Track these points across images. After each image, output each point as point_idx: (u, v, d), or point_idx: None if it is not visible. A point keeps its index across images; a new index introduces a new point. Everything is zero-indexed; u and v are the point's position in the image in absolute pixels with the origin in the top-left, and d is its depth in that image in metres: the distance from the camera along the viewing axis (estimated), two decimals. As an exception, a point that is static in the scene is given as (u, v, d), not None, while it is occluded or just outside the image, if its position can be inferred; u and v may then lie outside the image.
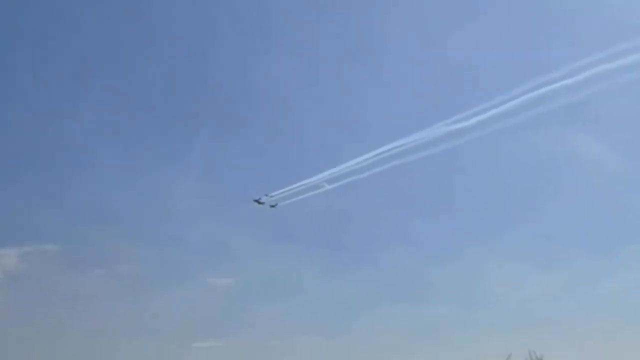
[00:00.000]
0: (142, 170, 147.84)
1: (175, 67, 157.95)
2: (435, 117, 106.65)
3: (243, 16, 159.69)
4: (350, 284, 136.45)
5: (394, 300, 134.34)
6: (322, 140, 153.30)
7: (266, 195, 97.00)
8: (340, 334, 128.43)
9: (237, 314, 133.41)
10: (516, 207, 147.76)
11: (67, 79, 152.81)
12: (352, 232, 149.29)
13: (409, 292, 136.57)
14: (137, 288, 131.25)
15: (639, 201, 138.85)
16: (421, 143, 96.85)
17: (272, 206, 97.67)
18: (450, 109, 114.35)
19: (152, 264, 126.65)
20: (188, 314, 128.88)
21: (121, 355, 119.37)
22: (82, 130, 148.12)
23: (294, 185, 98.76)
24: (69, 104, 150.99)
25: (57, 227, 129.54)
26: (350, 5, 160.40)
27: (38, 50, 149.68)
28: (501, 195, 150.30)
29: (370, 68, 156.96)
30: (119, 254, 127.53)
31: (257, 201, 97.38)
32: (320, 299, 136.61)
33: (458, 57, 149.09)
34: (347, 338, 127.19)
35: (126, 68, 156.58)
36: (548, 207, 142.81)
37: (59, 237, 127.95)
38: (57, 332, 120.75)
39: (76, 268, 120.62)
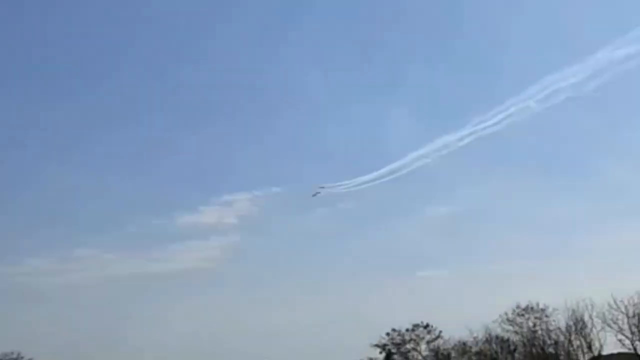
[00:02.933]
0: (352, 101, 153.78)
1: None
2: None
3: None
4: (565, 207, 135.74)
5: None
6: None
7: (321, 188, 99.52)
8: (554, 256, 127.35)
9: (455, 242, 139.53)
10: None
11: (276, 15, 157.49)
12: (563, 157, 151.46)
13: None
14: (359, 223, 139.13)
15: None
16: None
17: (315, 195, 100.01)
18: None
19: (370, 199, 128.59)
20: (409, 245, 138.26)
21: (355, 286, 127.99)
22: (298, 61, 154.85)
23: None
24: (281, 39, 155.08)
25: (281, 170, 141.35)
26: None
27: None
28: None
29: None
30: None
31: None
32: (535, 222, 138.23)
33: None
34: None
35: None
36: None
37: (283, 179, 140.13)
38: (294, 270, 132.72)
39: (302, 208, 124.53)
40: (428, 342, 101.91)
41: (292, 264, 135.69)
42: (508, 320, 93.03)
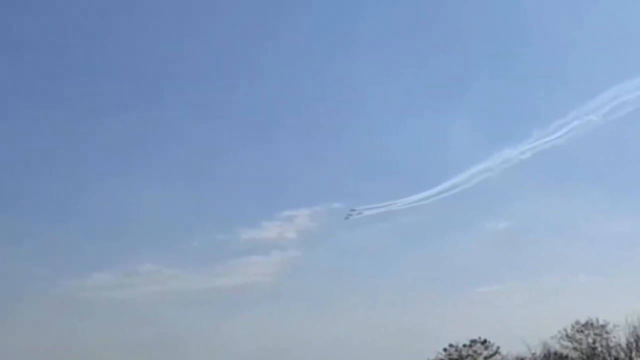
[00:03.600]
0: (413, 113, 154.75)
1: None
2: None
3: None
4: (628, 222, 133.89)
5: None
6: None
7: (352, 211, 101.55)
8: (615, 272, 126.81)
9: (515, 257, 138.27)
10: None
11: (333, 26, 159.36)
12: (628, 171, 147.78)
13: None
14: (418, 238, 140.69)
15: None
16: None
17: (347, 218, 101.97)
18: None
19: (430, 213, 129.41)
20: (468, 259, 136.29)
21: (413, 300, 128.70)
22: (357, 71, 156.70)
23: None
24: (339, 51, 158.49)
25: (341, 185, 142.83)
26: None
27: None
28: None
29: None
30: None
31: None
32: (596, 237, 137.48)
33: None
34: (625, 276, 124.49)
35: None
36: None
37: (344, 194, 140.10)
38: (353, 284, 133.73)
39: (361, 223, 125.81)
40: (485, 358, 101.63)
41: (351, 279, 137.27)
42: (567, 336, 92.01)
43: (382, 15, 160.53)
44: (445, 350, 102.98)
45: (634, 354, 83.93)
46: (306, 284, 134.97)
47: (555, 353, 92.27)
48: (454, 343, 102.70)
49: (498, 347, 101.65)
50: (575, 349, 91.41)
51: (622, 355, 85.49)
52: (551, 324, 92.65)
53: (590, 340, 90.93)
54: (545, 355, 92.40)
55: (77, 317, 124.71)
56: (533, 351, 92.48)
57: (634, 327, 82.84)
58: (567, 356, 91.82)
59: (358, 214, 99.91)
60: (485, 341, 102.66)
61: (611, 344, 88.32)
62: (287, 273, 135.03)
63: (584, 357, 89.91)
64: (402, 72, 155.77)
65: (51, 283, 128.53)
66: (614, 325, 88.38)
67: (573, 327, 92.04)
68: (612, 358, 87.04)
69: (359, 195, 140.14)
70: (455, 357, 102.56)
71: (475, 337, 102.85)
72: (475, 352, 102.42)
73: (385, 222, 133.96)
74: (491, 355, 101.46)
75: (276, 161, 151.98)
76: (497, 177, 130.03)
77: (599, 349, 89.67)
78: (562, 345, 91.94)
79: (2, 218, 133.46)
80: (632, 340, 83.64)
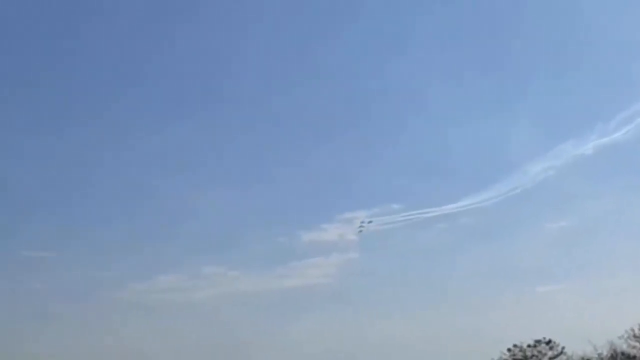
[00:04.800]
0: (474, 114, 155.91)
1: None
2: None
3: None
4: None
5: None
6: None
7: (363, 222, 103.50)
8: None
9: (577, 256, 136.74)
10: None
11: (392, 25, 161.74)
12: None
13: None
14: (478, 238, 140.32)
15: None
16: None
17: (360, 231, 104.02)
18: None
19: (490, 212, 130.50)
20: (529, 259, 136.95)
21: (474, 301, 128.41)
22: (417, 72, 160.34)
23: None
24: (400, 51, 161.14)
25: (401, 186, 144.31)
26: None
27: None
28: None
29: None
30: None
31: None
32: None
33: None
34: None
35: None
36: None
37: (403, 195, 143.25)
38: (412, 285, 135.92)
39: (421, 224, 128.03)
40: (550, 359, 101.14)
41: (410, 279, 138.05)
42: (635, 336, 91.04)
43: (442, 16, 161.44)
44: (509, 350, 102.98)
45: None
46: (366, 286, 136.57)
47: (623, 353, 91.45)
48: (518, 343, 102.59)
49: (563, 348, 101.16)
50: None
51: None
52: (618, 324, 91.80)
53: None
54: (612, 356, 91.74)
55: (143, 320, 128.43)
56: (599, 351, 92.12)
57: None
58: (634, 356, 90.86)
59: (369, 222, 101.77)
60: (549, 341, 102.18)
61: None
62: (347, 275, 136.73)
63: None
64: (462, 73, 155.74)
65: (118, 286, 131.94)
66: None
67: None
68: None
69: (417, 196, 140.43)
70: (520, 357, 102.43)
71: (539, 337, 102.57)
72: (540, 352, 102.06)
73: (444, 222, 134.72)
74: (556, 356, 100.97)
75: (335, 163, 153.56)
76: (558, 176, 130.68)
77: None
78: (629, 345, 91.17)
79: (69, 223, 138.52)
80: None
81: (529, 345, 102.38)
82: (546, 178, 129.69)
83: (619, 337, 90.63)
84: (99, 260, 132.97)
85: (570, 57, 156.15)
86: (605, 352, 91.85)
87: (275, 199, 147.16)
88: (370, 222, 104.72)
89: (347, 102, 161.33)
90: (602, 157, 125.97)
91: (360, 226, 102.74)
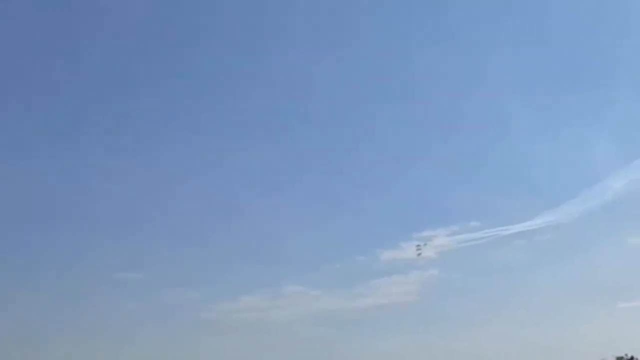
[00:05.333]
0: (556, 128, 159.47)
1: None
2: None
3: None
4: None
5: None
6: None
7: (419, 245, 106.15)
8: None
9: None
10: None
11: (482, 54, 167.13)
12: None
13: None
14: (557, 254, 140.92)
15: None
16: None
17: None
18: None
19: (571, 228, 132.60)
20: (610, 275, 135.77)
21: (554, 317, 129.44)
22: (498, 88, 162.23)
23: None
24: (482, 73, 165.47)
25: (478, 204, 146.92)
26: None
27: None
28: None
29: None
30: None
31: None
32: None
33: None
34: None
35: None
36: None
37: (481, 213, 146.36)
38: (492, 301, 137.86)
39: (499, 241, 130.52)
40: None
41: (489, 296, 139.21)
42: None
43: (521, 38, 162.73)
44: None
45: None
46: (446, 302, 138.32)
47: None
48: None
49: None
50: None
51: None
52: None
53: None
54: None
55: (226, 339, 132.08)
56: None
57: None
58: None
59: (424, 244, 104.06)
60: (632, 358, 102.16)
61: None
62: (426, 292, 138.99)
63: None
64: (543, 91, 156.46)
65: (203, 306, 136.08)
66: None
67: None
68: None
69: (496, 213, 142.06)
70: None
71: (621, 354, 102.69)
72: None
73: (521, 239, 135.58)
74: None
75: (414, 184, 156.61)
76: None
77: None
78: None
79: (156, 244, 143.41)
80: None
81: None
82: (628, 192, 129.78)
83: None
84: (186, 281, 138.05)
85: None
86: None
87: (354, 219, 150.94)
88: (425, 244, 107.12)
89: (427, 123, 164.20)
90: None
91: (418, 249, 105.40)
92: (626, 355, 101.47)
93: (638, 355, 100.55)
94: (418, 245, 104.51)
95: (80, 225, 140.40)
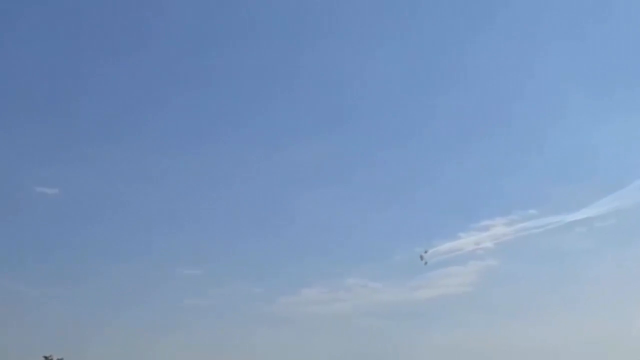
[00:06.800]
0: (615, 113, 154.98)
1: None
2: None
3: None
4: None
5: None
6: None
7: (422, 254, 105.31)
8: None
9: None
10: None
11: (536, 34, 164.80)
12: None
13: None
14: (618, 241, 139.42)
15: None
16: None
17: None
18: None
19: (632, 214, 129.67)
20: None
21: (616, 306, 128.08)
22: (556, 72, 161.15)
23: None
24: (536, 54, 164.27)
25: (535, 192, 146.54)
26: None
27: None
28: None
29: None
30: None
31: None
32: None
33: None
34: None
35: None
36: None
37: (539, 201, 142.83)
38: (552, 290, 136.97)
39: (558, 229, 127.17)
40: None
41: (549, 285, 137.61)
42: None
43: (573, 18, 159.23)
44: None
45: None
46: (505, 293, 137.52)
47: None
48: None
49: None
50: None
51: None
52: None
53: None
54: None
55: (287, 332, 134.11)
56: None
57: None
58: None
59: (425, 252, 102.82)
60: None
61: None
62: (485, 282, 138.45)
63: None
64: (600, 76, 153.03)
65: (264, 300, 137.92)
66: None
67: None
68: None
69: (554, 201, 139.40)
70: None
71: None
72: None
73: (582, 226, 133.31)
74: None
75: (471, 174, 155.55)
76: None
77: None
78: None
79: (214, 241, 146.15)
80: None
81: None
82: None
83: None
84: (250, 276, 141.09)
85: None
86: None
87: (413, 210, 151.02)
88: (426, 251, 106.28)
89: (481, 112, 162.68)
90: None
91: (422, 258, 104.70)
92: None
93: None
94: (421, 256, 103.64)
95: (140, 223, 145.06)
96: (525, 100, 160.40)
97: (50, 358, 49.48)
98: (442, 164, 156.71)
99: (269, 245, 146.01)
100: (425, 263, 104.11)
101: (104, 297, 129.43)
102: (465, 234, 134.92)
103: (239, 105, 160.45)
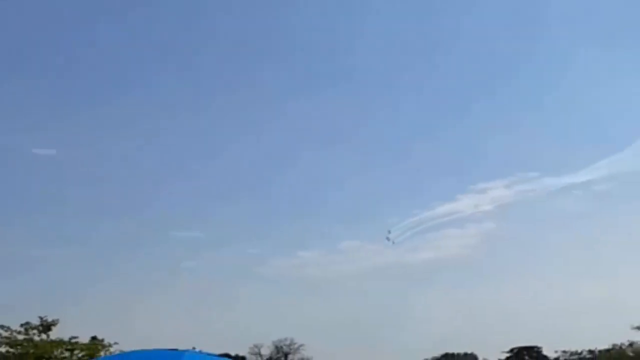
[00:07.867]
0: (621, 73, 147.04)
1: None
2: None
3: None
4: None
5: None
6: None
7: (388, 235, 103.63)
8: None
9: None
10: None
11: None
12: None
13: None
14: (615, 205, 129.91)
15: None
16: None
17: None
18: None
19: (628, 176, 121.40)
20: None
21: (609, 272, 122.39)
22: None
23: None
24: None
25: (537, 153, 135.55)
26: None
27: None
28: None
29: None
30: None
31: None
32: None
33: None
34: None
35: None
36: None
37: (540, 163, 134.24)
38: (552, 253, 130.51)
39: (556, 192, 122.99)
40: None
41: (547, 249, 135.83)
42: None
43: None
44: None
45: None
46: (503, 256, 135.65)
47: None
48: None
49: None
50: None
51: None
52: None
53: None
54: None
55: (286, 292, 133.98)
56: None
57: None
58: None
59: (389, 232, 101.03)
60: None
61: None
62: (483, 245, 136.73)
63: None
64: (607, 33, 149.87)
65: (262, 263, 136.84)
66: None
67: None
68: None
69: (555, 164, 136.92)
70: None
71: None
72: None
73: (579, 189, 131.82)
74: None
75: (470, 134, 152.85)
76: None
77: None
78: None
79: (211, 202, 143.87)
80: None
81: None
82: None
83: None
84: (247, 238, 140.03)
85: None
86: None
87: (409, 172, 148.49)
88: (389, 232, 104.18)
89: (479, 70, 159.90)
90: None
91: (388, 239, 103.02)
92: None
93: None
94: (388, 237, 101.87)
95: (138, 183, 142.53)
96: (525, 59, 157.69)
97: (45, 319, 48.17)
98: (441, 124, 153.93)
99: (266, 206, 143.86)
100: (393, 243, 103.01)
101: (100, 257, 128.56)
102: (464, 195, 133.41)
103: (238, 63, 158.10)
